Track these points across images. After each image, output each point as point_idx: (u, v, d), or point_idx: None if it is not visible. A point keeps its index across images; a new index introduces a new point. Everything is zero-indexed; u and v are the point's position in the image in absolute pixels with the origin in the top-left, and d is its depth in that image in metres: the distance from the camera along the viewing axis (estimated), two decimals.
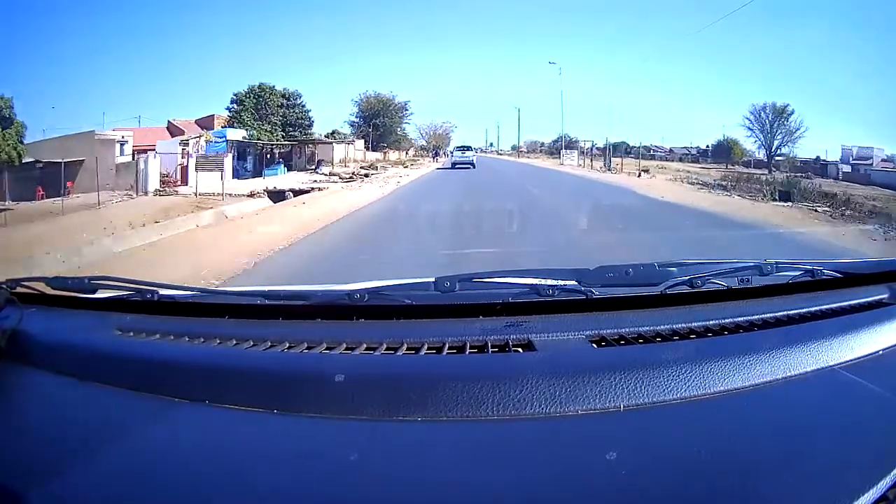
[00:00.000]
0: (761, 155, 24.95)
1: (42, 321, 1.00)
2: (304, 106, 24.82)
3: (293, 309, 0.99)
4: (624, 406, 0.69)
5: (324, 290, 1.02)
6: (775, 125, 24.26)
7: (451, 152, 24.86)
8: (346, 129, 29.38)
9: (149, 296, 1.04)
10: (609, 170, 22.94)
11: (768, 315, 0.94)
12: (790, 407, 0.73)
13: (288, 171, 22.00)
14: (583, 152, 27.54)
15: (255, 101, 23.31)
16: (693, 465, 0.60)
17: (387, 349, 0.85)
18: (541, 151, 34.63)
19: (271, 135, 22.72)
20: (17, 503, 0.59)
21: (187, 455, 0.68)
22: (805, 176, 20.51)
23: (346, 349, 0.85)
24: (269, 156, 22.75)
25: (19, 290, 1.06)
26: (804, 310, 0.97)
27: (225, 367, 0.81)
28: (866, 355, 0.82)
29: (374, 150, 28.94)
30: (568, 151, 28.48)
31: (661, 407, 0.69)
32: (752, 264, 1.05)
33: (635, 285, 0.99)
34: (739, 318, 0.92)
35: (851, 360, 0.80)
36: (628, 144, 25.44)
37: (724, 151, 26.87)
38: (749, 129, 25.21)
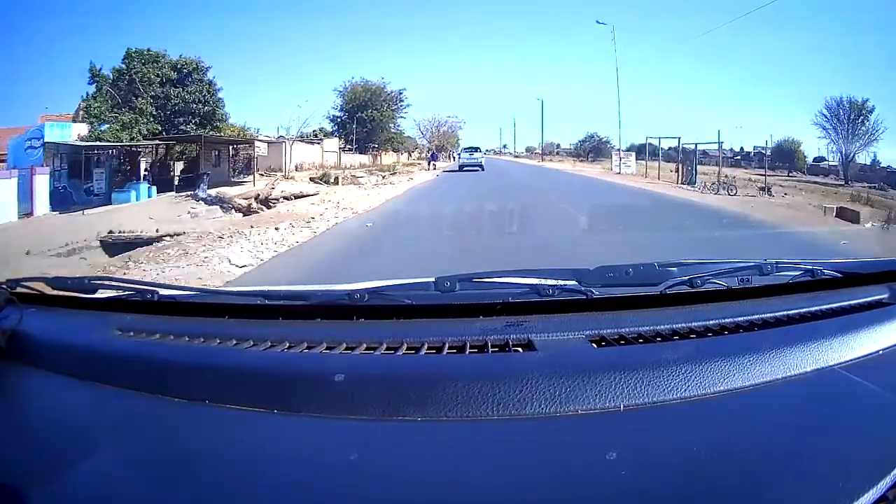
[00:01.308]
0: (827, 159, 20.56)
1: (42, 321, 1.00)
2: (211, 84, 15.54)
3: (293, 309, 0.99)
4: (624, 406, 0.69)
5: (324, 290, 1.02)
6: (855, 125, 19.70)
7: (459, 154, 23.12)
8: (328, 126, 22.57)
9: (149, 296, 1.04)
10: (691, 184, 15.47)
11: (768, 315, 0.94)
12: (790, 407, 0.73)
13: (171, 191, 13.70)
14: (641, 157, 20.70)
15: (116, 77, 14.50)
16: (693, 465, 0.60)
17: (387, 349, 0.85)
18: (557, 153, 29.99)
19: (130, 131, 13.83)
20: (17, 503, 0.59)
21: (187, 455, 0.68)
22: (876, 187, 16.90)
23: (346, 349, 0.85)
24: (159, 165, 14.55)
25: (19, 290, 1.06)
26: (804, 310, 0.96)
27: (225, 367, 0.81)
28: (866, 355, 0.82)
29: (361, 153, 22.49)
30: (624, 154, 21.11)
31: (661, 407, 0.69)
32: (752, 264, 1.05)
33: (635, 285, 0.99)
34: (739, 318, 0.92)
35: (851, 360, 0.80)
36: (654, 146, 20.26)
37: (785, 156, 21.98)
38: (823, 127, 20.33)
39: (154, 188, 13.96)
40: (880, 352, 0.83)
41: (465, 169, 20.13)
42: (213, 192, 12.86)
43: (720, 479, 0.58)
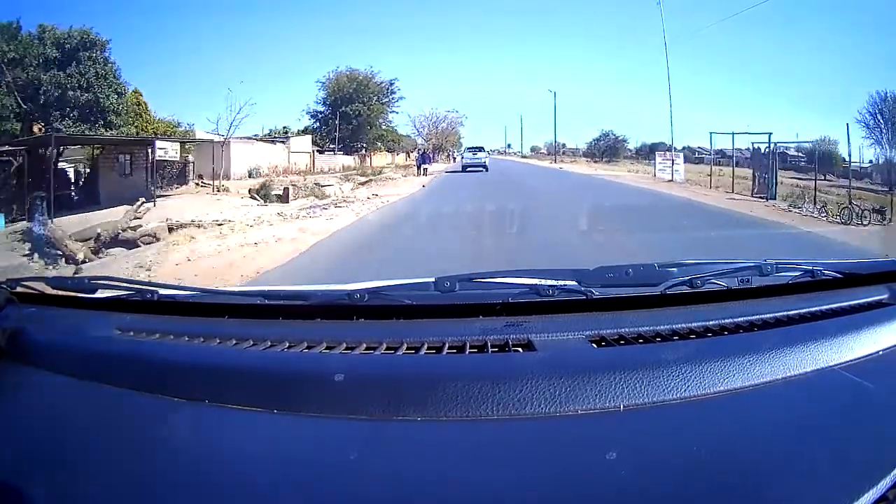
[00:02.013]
0: (855, 159, 16.01)
1: (42, 321, 1.00)
2: (106, 63, 11.37)
3: (293, 309, 0.99)
4: (624, 406, 0.69)
5: (324, 291, 1.02)
6: None
7: (462, 154, 22.00)
8: (308, 123, 18.53)
9: (149, 296, 1.04)
10: (772, 199, 11.61)
11: (768, 315, 0.94)
12: (790, 407, 0.73)
13: (31, 219, 8.36)
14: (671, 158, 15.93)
15: None
16: (693, 465, 0.60)
17: (386, 349, 0.85)
18: (564, 153, 26.86)
19: None
20: (17, 502, 0.59)
21: (187, 455, 0.68)
22: None
23: (346, 349, 0.85)
24: (49, 176, 8.80)
25: (19, 290, 1.06)
26: (804, 310, 0.96)
27: (225, 367, 0.81)
28: (866, 355, 0.82)
29: (347, 153, 18.78)
30: (676, 155, 16.10)
31: (661, 407, 0.69)
32: (752, 264, 1.05)
33: (635, 285, 0.99)
34: (739, 319, 0.92)
35: (851, 361, 0.80)
36: (666, 144, 17.39)
37: (823, 159, 17.96)
38: (867, 126, 16.27)
39: (1, 217, 9.21)
40: (880, 352, 0.83)
41: (468, 169, 19.80)
42: (64, 220, 8.24)
43: (720, 479, 0.58)
